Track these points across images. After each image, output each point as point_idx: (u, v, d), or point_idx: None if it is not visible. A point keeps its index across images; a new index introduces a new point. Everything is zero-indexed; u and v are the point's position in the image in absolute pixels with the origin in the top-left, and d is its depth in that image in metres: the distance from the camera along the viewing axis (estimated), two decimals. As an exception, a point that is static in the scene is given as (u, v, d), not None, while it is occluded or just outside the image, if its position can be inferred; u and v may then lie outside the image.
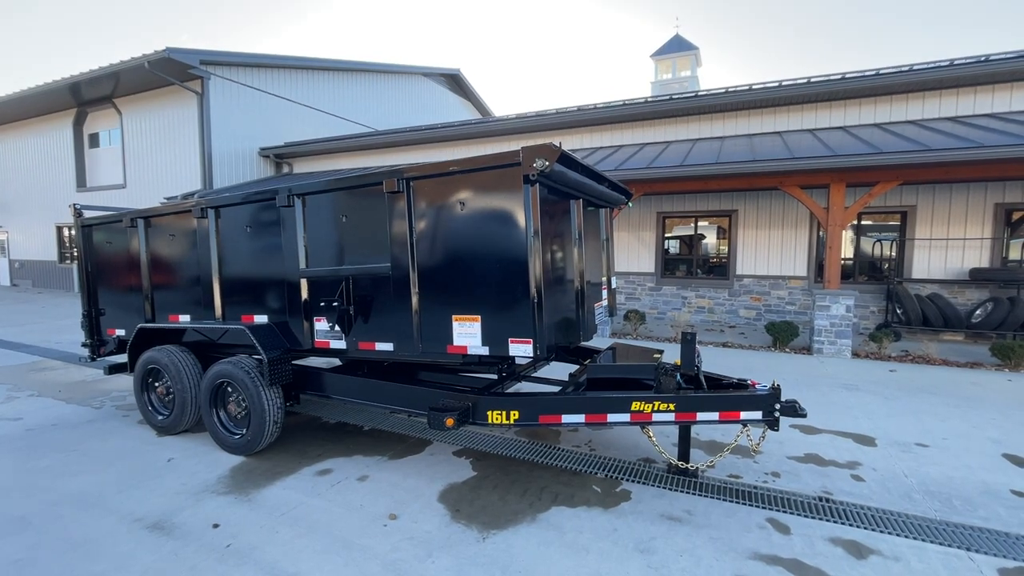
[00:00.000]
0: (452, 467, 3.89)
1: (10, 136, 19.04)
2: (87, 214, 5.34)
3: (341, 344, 3.82)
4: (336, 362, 4.84)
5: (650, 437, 3.56)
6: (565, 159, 3.14)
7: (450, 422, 3.29)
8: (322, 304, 3.74)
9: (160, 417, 4.55)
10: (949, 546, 2.83)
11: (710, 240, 11.48)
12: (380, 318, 3.64)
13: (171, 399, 4.49)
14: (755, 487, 3.55)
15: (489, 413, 3.43)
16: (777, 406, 3.32)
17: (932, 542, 2.87)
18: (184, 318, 4.64)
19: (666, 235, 11.37)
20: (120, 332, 5.19)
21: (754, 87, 10.10)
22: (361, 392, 3.96)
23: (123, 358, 5.02)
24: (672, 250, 11.56)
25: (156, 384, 4.63)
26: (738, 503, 3.33)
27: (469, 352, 3.32)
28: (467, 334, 3.30)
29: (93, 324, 5.35)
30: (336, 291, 3.73)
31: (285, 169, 15.88)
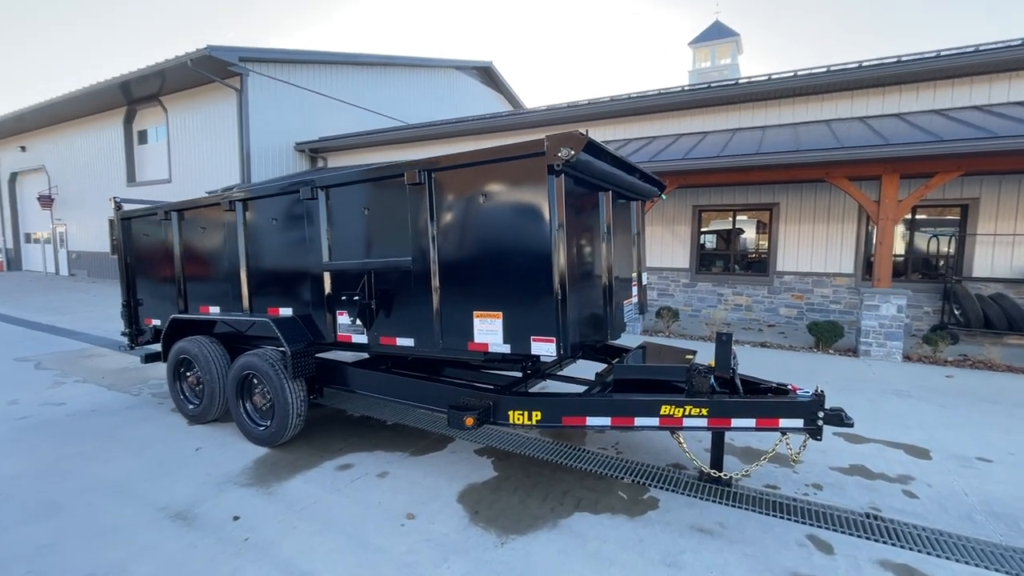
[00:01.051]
0: (473, 466, 3.80)
1: (68, 134, 20.10)
2: (128, 210, 5.50)
3: (363, 338, 3.78)
4: (364, 356, 4.83)
5: (680, 443, 3.36)
6: (592, 148, 2.97)
7: (470, 421, 3.19)
8: (344, 298, 3.70)
9: (191, 406, 4.65)
10: (1018, 576, 2.54)
11: (749, 235, 11.00)
12: (401, 313, 3.57)
13: (201, 389, 4.57)
14: (794, 500, 3.31)
15: (510, 413, 3.32)
16: (820, 414, 3.08)
17: (997, 570, 2.59)
18: (214, 309, 4.72)
19: (702, 229, 10.95)
20: (156, 322, 5.34)
21: (799, 73, 9.55)
22: (383, 387, 3.91)
23: (159, 347, 5.16)
24: (708, 245, 11.13)
25: (187, 374, 4.73)
26: (775, 516, 3.11)
27: (490, 350, 3.21)
28: (488, 331, 3.19)
29: (132, 314, 5.53)
30: (358, 285, 3.68)
31: (320, 163, 16.16)
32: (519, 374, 4.33)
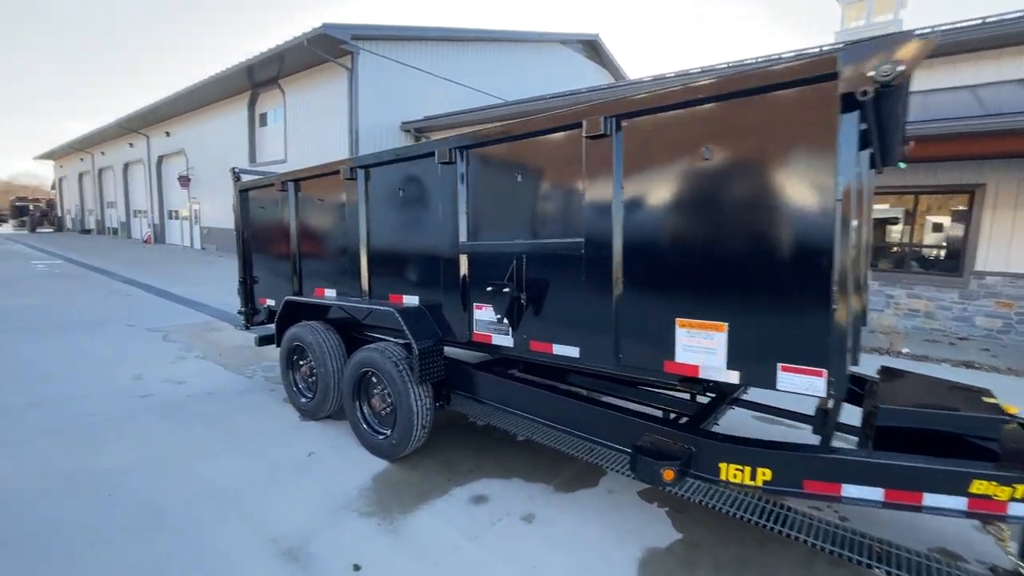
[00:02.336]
0: (644, 518, 2.88)
1: (203, 119, 21.84)
2: (246, 181, 5.19)
3: (507, 341, 2.97)
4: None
5: (1002, 540, 2.17)
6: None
7: (669, 475, 2.26)
8: (490, 288, 2.89)
9: (303, 400, 4.19)
10: None
11: (934, 223, 8.87)
12: (563, 312, 2.70)
13: (314, 381, 4.09)
14: None
15: (723, 467, 2.33)
16: None
17: None
18: (330, 293, 4.20)
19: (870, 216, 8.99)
20: (270, 302, 4.99)
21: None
22: (528, 404, 3.08)
23: (273, 327, 4.79)
24: (877, 235, 9.15)
25: (300, 363, 4.27)
26: None
27: (702, 375, 2.24)
28: (701, 348, 2.21)
29: (247, 292, 5.25)
30: (505, 272, 2.86)
31: (423, 143, 15.92)
32: (686, 395, 3.34)
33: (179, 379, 5.08)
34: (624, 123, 2.36)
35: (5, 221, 44.59)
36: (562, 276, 2.67)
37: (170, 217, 26.34)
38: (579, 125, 2.47)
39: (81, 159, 35.07)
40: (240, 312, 5.31)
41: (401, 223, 3.56)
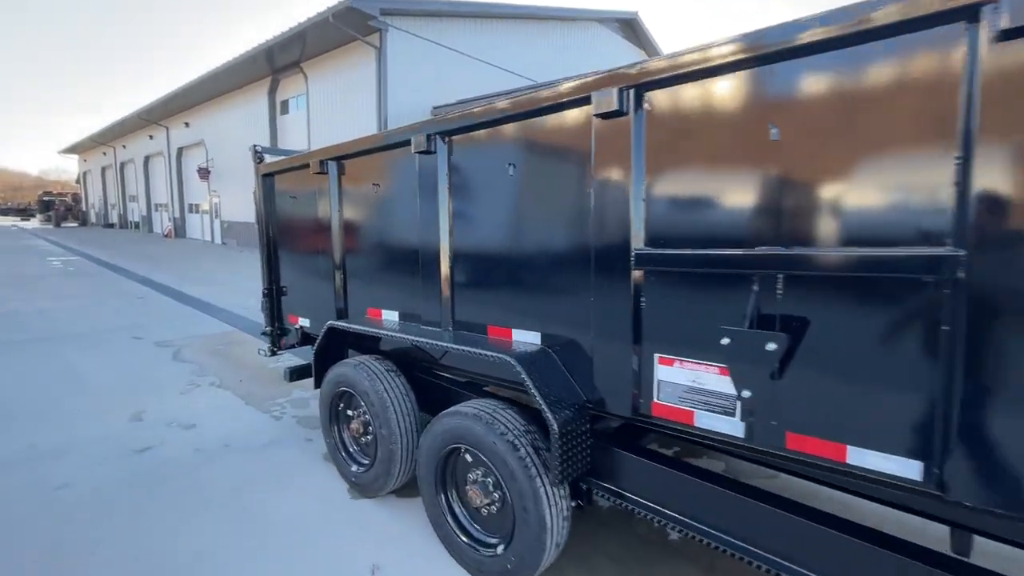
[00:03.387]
0: None
1: (222, 109, 20.87)
2: (272, 162, 4.00)
3: (732, 427, 1.69)
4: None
5: None
6: None
7: None
8: (725, 340, 1.59)
9: (355, 468, 2.97)
10: None
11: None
12: (887, 389, 1.40)
13: (371, 442, 2.88)
14: None
15: None
16: None
17: None
18: (390, 316, 2.98)
19: None
20: (304, 322, 3.80)
21: None
22: (728, 523, 1.79)
23: (305, 350, 3.62)
24: None
25: (350, 414, 3.04)
26: None
27: None
28: None
29: (273, 306, 4.07)
30: (744, 305, 1.58)
31: (456, 129, 14.65)
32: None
33: (188, 420, 3.93)
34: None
35: (33, 216, 44.83)
36: (885, 317, 1.38)
37: (190, 211, 25.60)
38: (972, 9, 1.17)
39: (104, 153, 34.69)
40: (265, 333, 4.13)
41: (511, 217, 2.30)
